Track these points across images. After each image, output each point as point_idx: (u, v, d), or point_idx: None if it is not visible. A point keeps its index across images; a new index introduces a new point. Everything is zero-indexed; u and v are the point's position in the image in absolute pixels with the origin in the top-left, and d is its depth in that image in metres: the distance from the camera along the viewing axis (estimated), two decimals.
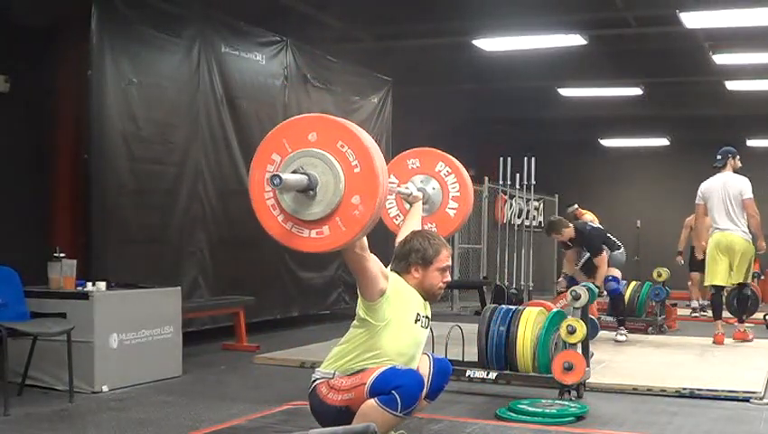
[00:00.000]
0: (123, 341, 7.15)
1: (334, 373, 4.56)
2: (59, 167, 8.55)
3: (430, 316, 4.88)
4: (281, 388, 7.26)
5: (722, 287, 10.41)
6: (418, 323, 4.70)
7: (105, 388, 6.91)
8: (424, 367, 4.77)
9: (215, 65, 9.93)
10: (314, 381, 4.64)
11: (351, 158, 3.92)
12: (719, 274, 10.22)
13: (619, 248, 10.54)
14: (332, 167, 3.93)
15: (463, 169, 5.75)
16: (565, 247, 10.92)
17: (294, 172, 3.97)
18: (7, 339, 6.24)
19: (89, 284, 7.21)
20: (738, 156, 10.55)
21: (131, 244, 8.75)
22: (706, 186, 10.43)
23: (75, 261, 7.31)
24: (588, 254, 10.47)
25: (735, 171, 10.41)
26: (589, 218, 15.20)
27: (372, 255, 4.38)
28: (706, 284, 10.75)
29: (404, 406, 4.27)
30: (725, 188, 10.20)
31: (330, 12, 12.10)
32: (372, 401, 4.30)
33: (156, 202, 9.15)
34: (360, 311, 4.57)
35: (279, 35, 11.06)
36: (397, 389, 4.27)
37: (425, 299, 4.81)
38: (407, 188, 5.69)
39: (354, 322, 4.63)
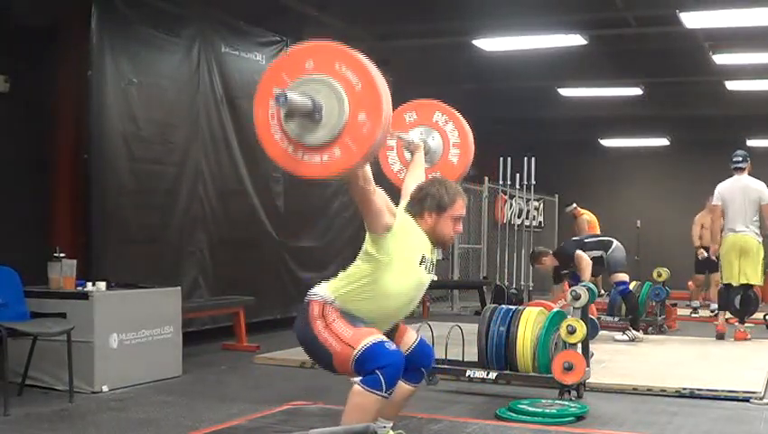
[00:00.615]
0: (123, 341, 7.16)
1: (333, 300, 4.49)
2: (59, 167, 8.55)
3: (435, 262, 4.82)
4: (281, 388, 7.26)
5: (732, 286, 10.59)
6: (423, 265, 4.64)
7: (105, 388, 6.92)
8: (409, 340, 4.77)
9: (215, 65, 9.93)
10: (311, 296, 4.56)
11: (351, 77, 3.90)
12: (733, 274, 10.48)
13: (611, 244, 10.54)
14: (334, 90, 3.90)
15: (460, 116, 5.72)
16: (555, 279, 10.94)
17: None
18: (7, 339, 6.24)
19: (89, 284, 7.22)
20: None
21: (131, 244, 8.75)
22: (724, 188, 10.58)
23: (75, 261, 7.32)
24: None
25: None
26: (587, 218, 15.25)
27: (379, 189, 4.35)
28: (725, 281, 10.81)
29: (388, 386, 4.27)
30: (745, 192, 10.38)
31: (330, 12, 12.08)
32: (358, 387, 4.29)
33: (156, 202, 9.15)
34: (366, 245, 4.53)
35: (279, 35, 11.06)
36: (381, 369, 4.27)
37: (433, 245, 4.76)
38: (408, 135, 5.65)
39: (360, 255, 4.58)
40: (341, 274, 4.61)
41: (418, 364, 4.72)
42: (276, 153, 4.07)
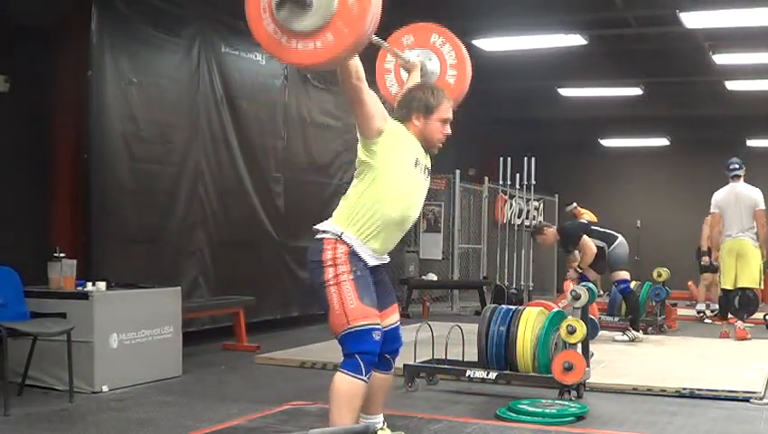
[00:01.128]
0: (123, 341, 7.15)
1: (342, 232, 4.55)
2: (59, 167, 8.55)
3: (430, 168, 4.85)
4: (281, 388, 7.26)
5: (731, 290, 10.81)
6: (418, 168, 4.68)
7: (105, 388, 6.91)
8: (390, 321, 4.81)
9: (215, 65, 9.93)
10: (323, 234, 4.64)
11: None
12: (732, 280, 10.72)
13: (615, 239, 10.53)
14: None
15: (457, 38, 5.70)
16: (566, 251, 10.96)
17: None
18: (7, 339, 6.24)
19: (89, 284, 7.21)
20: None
21: (131, 244, 8.75)
22: (720, 196, 10.94)
23: (75, 261, 7.31)
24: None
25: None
26: (587, 217, 15.24)
27: (372, 92, 4.42)
28: (722, 286, 11.03)
29: (366, 371, 4.44)
30: (738, 198, 10.71)
31: None
32: (342, 374, 4.44)
33: (156, 202, 9.15)
34: (360, 154, 4.56)
35: None
36: (361, 354, 4.42)
37: (424, 150, 4.78)
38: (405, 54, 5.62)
39: (355, 173, 4.62)
40: (341, 204, 4.67)
41: (384, 348, 4.71)
42: (270, 44, 4.08)
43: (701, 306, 13.62)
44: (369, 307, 4.48)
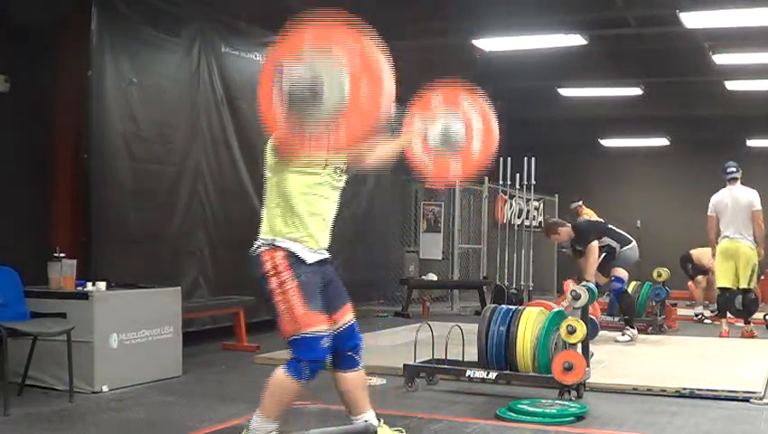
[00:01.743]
0: (123, 341, 7.15)
1: (274, 238, 4.66)
2: (59, 167, 8.55)
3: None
4: None
5: (728, 289, 11.02)
6: (328, 168, 4.73)
7: (105, 388, 6.91)
8: (344, 320, 4.88)
9: (215, 65, 9.93)
10: (258, 247, 4.73)
11: (349, 52, 3.92)
12: (727, 277, 10.98)
13: (629, 242, 10.50)
14: (334, 66, 3.93)
15: (486, 105, 5.62)
16: (575, 254, 10.80)
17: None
18: (7, 339, 6.24)
19: (89, 284, 7.21)
20: None
21: (131, 244, 8.75)
22: (717, 199, 11.17)
23: (75, 261, 7.31)
24: (605, 254, 10.36)
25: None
26: (588, 216, 15.22)
27: None
28: (718, 285, 11.30)
29: (308, 378, 4.61)
30: (736, 200, 10.94)
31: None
32: (282, 371, 4.61)
33: (156, 202, 9.15)
34: (267, 157, 4.65)
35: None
36: (307, 361, 4.57)
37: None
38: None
39: (267, 175, 4.71)
40: (268, 208, 4.74)
41: (343, 346, 4.82)
42: (281, 137, 4.07)
43: (699, 309, 13.61)
44: (315, 314, 4.62)
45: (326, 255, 4.83)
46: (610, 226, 10.70)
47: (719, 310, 11.46)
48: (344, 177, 4.88)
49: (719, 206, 11.08)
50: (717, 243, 11.11)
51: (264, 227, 4.73)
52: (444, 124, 5.44)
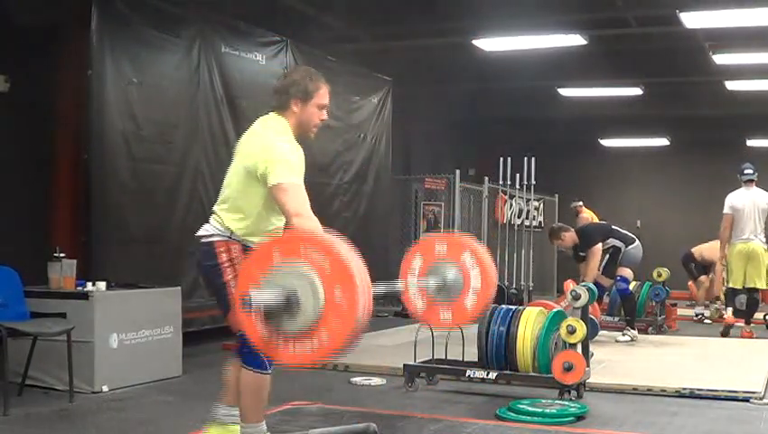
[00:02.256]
0: (123, 341, 7.16)
1: (232, 232, 4.63)
2: (59, 167, 8.55)
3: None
4: (281, 388, 7.22)
5: (739, 290, 11.18)
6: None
7: (105, 388, 6.92)
8: None
9: (215, 65, 9.92)
10: (212, 235, 4.67)
11: (318, 257, 3.93)
12: (740, 279, 11.07)
13: (633, 241, 10.50)
14: (305, 275, 3.93)
15: (488, 262, 5.62)
16: (577, 259, 10.77)
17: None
18: (7, 339, 6.24)
19: (89, 284, 7.22)
20: None
21: (131, 244, 8.74)
22: (735, 199, 11.21)
23: (75, 261, 7.32)
24: (608, 256, 10.35)
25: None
26: (588, 216, 15.24)
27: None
28: (731, 286, 11.34)
29: (270, 365, 4.63)
30: (755, 202, 11.06)
31: (330, 12, 12.09)
32: (246, 372, 4.65)
33: (156, 202, 9.14)
34: (259, 168, 4.59)
35: (279, 35, 11.05)
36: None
37: (299, 136, 4.85)
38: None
39: (238, 176, 4.68)
40: (228, 199, 4.73)
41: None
42: (268, 349, 4.08)
43: (699, 309, 13.61)
44: None
45: None
46: (613, 227, 10.71)
47: (727, 304, 11.67)
48: None
49: (736, 206, 11.11)
50: (730, 244, 11.17)
51: (218, 219, 4.69)
52: (443, 273, 5.45)
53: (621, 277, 10.46)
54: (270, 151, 4.59)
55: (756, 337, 10.88)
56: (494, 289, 5.64)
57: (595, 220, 15.51)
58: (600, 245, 10.22)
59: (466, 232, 15.46)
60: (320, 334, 3.89)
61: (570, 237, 10.58)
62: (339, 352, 4.00)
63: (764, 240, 11.03)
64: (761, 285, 11.00)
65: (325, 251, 3.91)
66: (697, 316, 13.48)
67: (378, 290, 4.98)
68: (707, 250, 13.59)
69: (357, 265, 3.93)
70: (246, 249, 4.59)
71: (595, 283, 10.15)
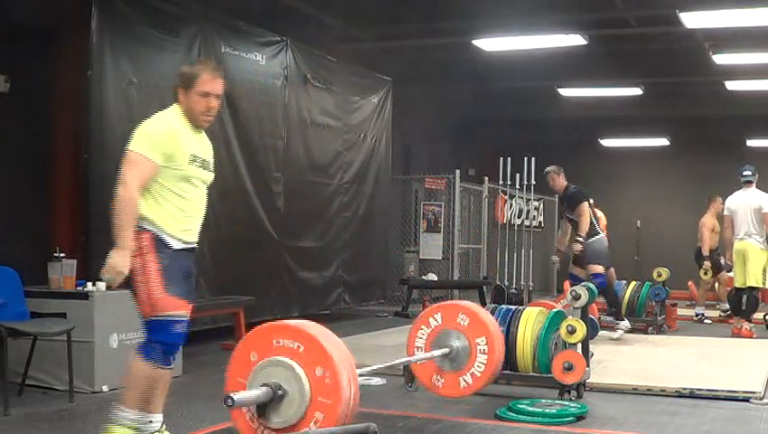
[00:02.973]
0: (123, 341, 7.15)
1: (140, 224, 4.65)
2: (58, 167, 8.54)
3: (211, 159, 4.98)
4: None
5: (742, 289, 11.38)
6: (194, 164, 4.81)
7: (105, 388, 6.91)
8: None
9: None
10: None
11: (291, 344, 4.03)
12: (740, 279, 11.37)
13: (596, 234, 10.57)
14: (283, 364, 4.03)
15: (484, 318, 5.63)
16: (569, 222, 10.93)
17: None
18: (7, 339, 6.24)
19: (89, 284, 7.21)
20: None
21: None
22: (732, 200, 11.64)
23: (75, 261, 7.31)
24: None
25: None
26: (599, 215, 15.31)
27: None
28: (736, 285, 11.64)
29: (162, 361, 4.68)
30: (748, 203, 11.34)
31: (330, 12, 12.10)
32: (136, 358, 4.67)
33: None
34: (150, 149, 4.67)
35: (279, 35, 11.06)
36: (161, 343, 4.66)
37: (192, 128, 4.88)
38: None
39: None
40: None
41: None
42: None
43: (700, 309, 13.61)
44: (174, 298, 4.64)
45: (191, 246, 4.92)
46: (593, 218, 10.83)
47: (733, 311, 12.01)
48: (212, 172, 4.95)
49: (733, 207, 11.51)
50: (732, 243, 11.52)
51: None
52: (448, 343, 5.46)
53: (593, 274, 10.47)
54: (140, 127, 4.70)
55: (756, 337, 10.92)
56: (500, 347, 5.67)
57: (603, 220, 15.60)
58: (587, 204, 10.42)
59: (466, 232, 15.56)
60: (315, 417, 3.94)
61: (561, 182, 10.96)
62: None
63: (761, 239, 11.21)
64: (754, 282, 11.18)
65: (297, 337, 3.94)
66: (697, 315, 13.47)
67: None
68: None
69: (331, 341, 3.95)
70: (157, 238, 4.67)
71: (574, 275, 10.25)
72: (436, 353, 5.76)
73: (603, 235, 10.74)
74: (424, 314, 6.18)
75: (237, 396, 3.91)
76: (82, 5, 8.25)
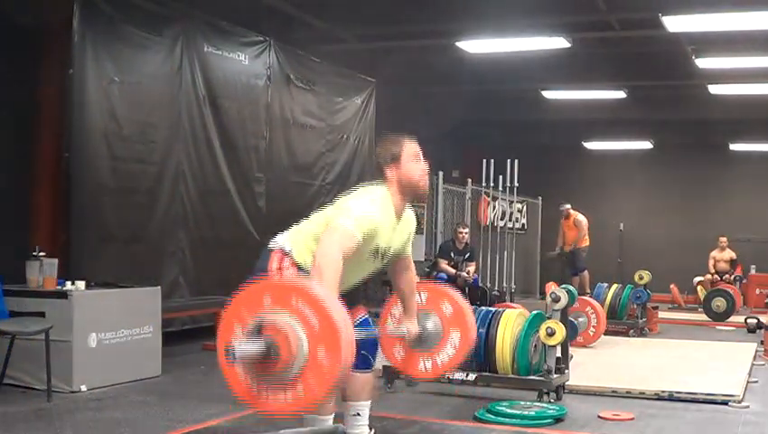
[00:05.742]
0: (102, 340, 7.13)
1: (290, 250, 4.55)
2: (39, 166, 8.50)
3: (393, 246, 4.74)
4: None
5: None
6: (375, 256, 4.63)
7: (83, 387, 6.89)
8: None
9: (198, 65, 9.90)
10: (274, 245, 4.62)
11: (308, 314, 3.90)
12: None
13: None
14: (292, 327, 3.92)
15: (465, 305, 5.62)
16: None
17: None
18: None
19: (69, 283, 7.18)
20: None
21: (111, 243, 8.72)
22: None
23: (56, 260, 7.28)
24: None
25: None
26: (582, 218, 15.39)
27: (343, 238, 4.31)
28: None
29: None
30: None
31: (313, 12, 12.08)
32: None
33: (137, 202, 9.11)
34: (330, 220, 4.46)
35: (262, 35, 11.05)
36: None
37: (411, 201, 4.75)
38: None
39: (321, 222, 4.57)
40: (304, 225, 4.68)
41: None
42: (241, 391, 4.02)
43: None
44: None
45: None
46: None
47: None
48: (396, 255, 4.85)
49: None
50: None
51: (291, 236, 4.64)
52: (423, 323, 5.42)
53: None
54: (344, 204, 4.57)
55: (734, 341, 10.95)
56: (473, 334, 5.65)
57: (585, 222, 15.68)
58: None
59: (449, 234, 15.57)
60: (295, 389, 3.89)
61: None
62: (313, 406, 4.03)
63: None
64: None
65: (316, 309, 3.89)
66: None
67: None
68: None
69: (345, 326, 3.91)
70: (300, 268, 4.53)
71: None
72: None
73: None
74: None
75: (238, 349, 3.84)
76: (65, 5, 8.22)
